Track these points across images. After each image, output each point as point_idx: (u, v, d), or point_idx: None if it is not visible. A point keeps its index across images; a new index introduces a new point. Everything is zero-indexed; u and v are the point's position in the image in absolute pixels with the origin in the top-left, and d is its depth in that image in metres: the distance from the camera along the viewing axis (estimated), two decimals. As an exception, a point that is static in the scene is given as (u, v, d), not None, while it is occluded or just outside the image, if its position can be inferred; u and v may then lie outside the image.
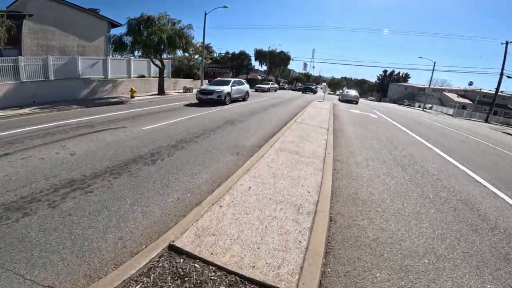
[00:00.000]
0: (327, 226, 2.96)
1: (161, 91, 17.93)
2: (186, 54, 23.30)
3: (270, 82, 34.56)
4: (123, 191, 3.63)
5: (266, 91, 29.34)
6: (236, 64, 45.67)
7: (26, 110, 9.74)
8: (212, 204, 3.15)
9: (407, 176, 5.27)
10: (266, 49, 47.39)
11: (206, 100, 13.69)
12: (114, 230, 2.79)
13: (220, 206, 3.12)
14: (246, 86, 17.39)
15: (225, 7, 22.20)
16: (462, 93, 48.63)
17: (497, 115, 35.02)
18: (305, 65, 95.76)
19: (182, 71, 25.73)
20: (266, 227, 2.78)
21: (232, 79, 16.36)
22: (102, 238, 2.64)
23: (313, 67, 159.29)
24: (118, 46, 15.66)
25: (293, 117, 10.77)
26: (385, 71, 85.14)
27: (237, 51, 46.40)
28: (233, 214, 2.98)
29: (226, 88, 14.26)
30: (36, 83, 12.16)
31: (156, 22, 15.79)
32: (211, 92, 13.76)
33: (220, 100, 13.57)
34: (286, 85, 55.93)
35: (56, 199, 3.30)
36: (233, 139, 6.79)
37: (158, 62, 17.15)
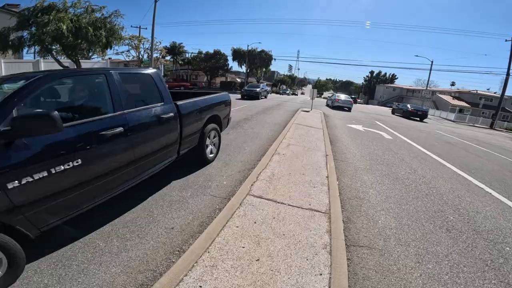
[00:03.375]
0: None
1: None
2: (117, 51, 17.84)
3: None
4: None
5: None
6: (211, 65, 40.47)
7: None
8: None
9: None
10: (245, 48, 42.52)
11: None
12: None
13: None
14: None
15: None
16: (457, 95, 45.75)
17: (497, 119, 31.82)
18: (290, 67, 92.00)
19: (131, 74, 20.09)
20: None
21: None
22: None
23: (298, 69, 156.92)
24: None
25: (257, 161, 5.81)
26: (371, 72, 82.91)
27: (211, 51, 41.29)
28: None
29: None
30: None
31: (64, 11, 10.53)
32: None
33: None
34: (268, 88, 51.25)
35: None
36: None
37: (71, 65, 11.77)
